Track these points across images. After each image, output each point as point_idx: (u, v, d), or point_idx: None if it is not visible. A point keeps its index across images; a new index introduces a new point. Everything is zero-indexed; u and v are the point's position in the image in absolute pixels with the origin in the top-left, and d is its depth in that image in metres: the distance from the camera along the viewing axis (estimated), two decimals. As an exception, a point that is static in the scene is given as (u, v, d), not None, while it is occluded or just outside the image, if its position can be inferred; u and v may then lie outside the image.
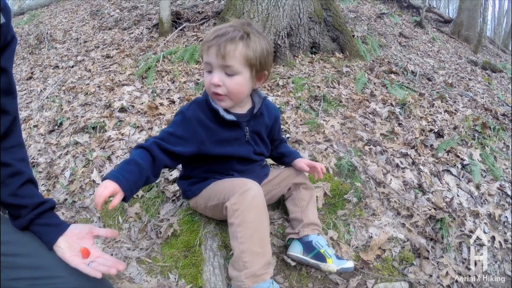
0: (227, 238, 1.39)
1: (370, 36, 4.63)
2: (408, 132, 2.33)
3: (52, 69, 3.89)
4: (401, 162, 2.00)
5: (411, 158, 2.05)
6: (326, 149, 1.98)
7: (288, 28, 3.29)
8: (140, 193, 1.75)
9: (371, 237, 1.53)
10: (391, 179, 1.83)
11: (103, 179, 0.98)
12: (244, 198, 1.11)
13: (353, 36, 4.11)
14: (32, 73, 3.92)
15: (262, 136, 1.36)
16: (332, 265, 1.27)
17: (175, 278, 1.36)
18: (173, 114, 2.41)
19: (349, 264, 1.28)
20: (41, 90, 3.36)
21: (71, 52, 4.34)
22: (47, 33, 5.10)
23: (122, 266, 0.93)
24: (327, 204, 1.65)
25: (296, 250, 1.34)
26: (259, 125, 1.32)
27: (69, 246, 0.91)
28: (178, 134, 1.18)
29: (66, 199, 1.82)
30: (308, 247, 1.32)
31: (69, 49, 4.50)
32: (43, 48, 4.79)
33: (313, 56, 3.49)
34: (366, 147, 2.05)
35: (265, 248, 1.14)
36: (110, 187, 0.95)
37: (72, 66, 3.81)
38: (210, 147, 1.23)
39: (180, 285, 1.33)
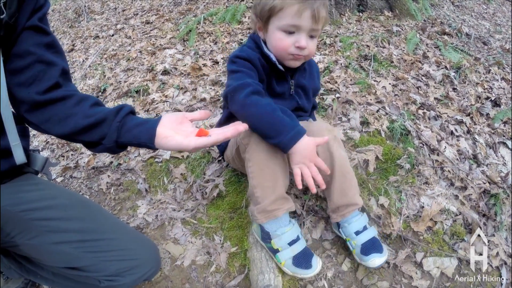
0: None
1: (421, -6, 4.27)
2: (463, 98, 2.15)
3: (93, 39, 3.93)
4: (456, 130, 1.86)
5: (466, 126, 1.90)
6: (377, 110, 1.88)
7: (334, -15, 3.09)
8: (185, 153, 1.74)
9: (423, 207, 1.44)
10: (445, 147, 1.71)
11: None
12: (253, 132, 1.06)
13: (403, -6, 3.81)
14: (73, 45, 3.99)
15: (307, 91, 1.31)
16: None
17: (220, 240, 1.36)
18: (217, 74, 2.34)
19: (376, 261, 1.13)
20: (83, 60, 3.42)
21: (110, 22, 4.36)
22: (85, 6, 5.14)
23: (245, 126, 0.83)
24: (379, 168, 1.56)
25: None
26: (303, 79, 1.28)
27: (176, 132, 0.81)
28: (250, 73, 1.11)
29: (111, 162, 1.84)
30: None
31: (108, 19, 4.52)
32: (82, 20, 4.85)
33: (361, 14, 3.30)
34: (420, 111, 1.92)
35: (276, 182, 1.08)
36: None
37: (112, 35, 3.83)
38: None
39: (226, 247, 1.32)
